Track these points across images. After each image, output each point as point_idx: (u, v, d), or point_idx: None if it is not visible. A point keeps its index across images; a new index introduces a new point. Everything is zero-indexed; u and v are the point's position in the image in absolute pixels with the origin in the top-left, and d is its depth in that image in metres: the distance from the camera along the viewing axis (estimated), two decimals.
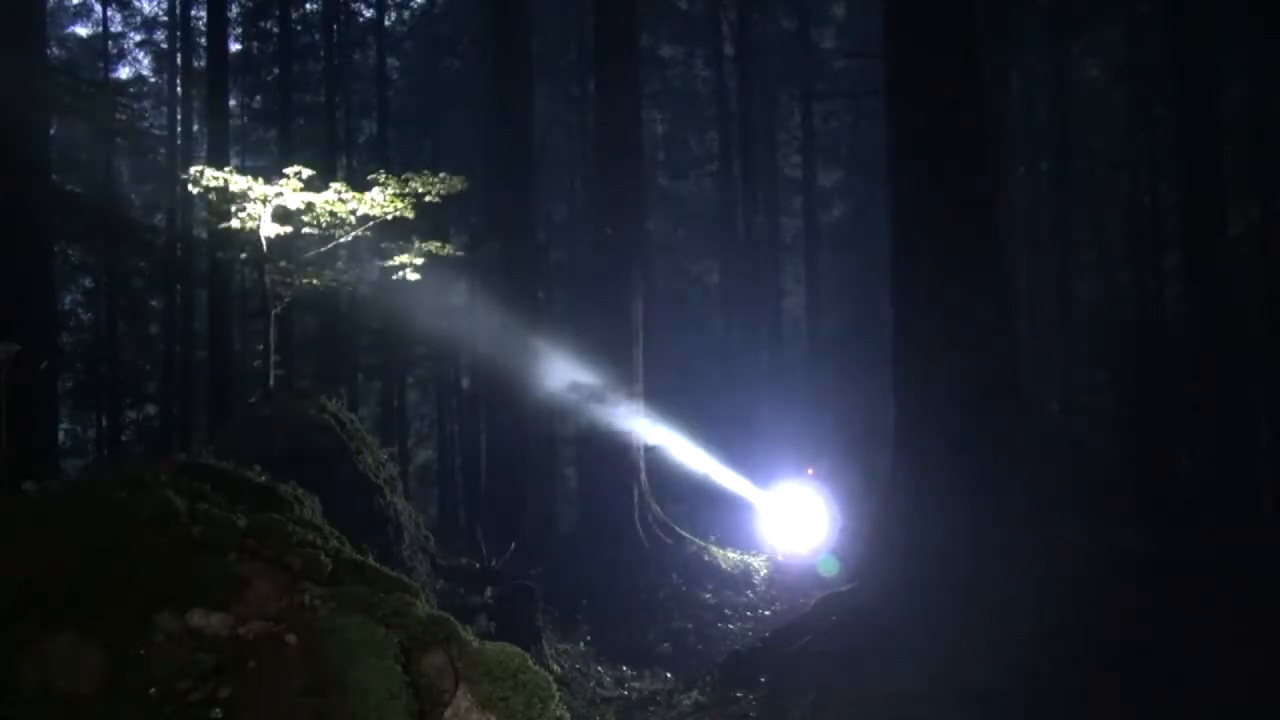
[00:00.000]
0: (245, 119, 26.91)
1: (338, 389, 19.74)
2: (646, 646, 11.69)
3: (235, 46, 24.68)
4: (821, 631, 8.93)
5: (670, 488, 17.55)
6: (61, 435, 20.16)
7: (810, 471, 16.61)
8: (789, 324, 28.42)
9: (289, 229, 10.38)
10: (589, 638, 11.14)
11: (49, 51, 21.10)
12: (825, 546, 13.86)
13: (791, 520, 14.97)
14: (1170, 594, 7.73)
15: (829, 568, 12.77)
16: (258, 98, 26.44)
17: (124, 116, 15.81)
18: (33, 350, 6.65)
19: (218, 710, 3.79)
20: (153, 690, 3.79)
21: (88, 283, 23.73)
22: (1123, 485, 9.77)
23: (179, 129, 25.96)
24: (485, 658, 4.41)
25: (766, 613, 12.56)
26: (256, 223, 10.07)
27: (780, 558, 14.81)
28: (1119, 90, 19.74)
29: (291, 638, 4.11)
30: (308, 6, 26.25)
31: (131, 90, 23.25)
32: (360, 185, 10.75)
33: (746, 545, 15.62)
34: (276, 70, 24.75)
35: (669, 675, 10.32)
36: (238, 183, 9.76)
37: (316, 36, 25.87)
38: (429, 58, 27.77)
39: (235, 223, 10.22)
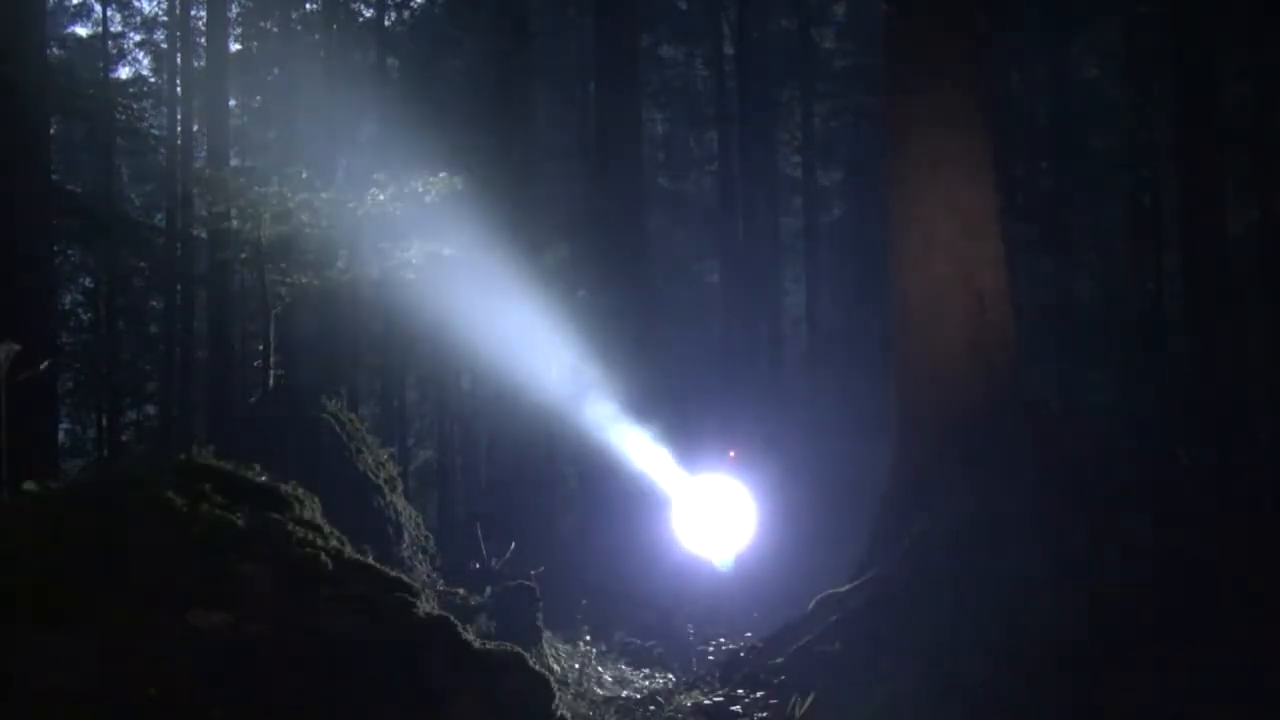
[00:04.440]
0: (245, 119, 26.90)
1: (338, 389, 19.73)
2: (647, 646, 11.69)
3: (235, 46, 24.69)
4: (821, 630, 8.93)
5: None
6: (61, 435, 20.14)
7: (731, 454, 15.16)
8: (789, 324, 28.42)
9: (288, 228, 10.40)
10: (589, 638, 11.12)
11: (49, 51, 21.10)
12: (737, 545, 12.81)
13: (710, 516, 13.16)
14: (1172, 593, 7.73)
15: (723, 565, 12.51)
16: (258, 98, 26.44)
17: (124, 116, 15.82)
18: (33, 350, 6.65)
19: (217, 710, 3.79)
20: (153, 690, 3.79)
21: (88, 283, 23.72)
22: (1123, 485, 9.76)
23: (179, 129, 25.96)
24: (485, 658, 4.42)
25: (755, 614, 12.58)
26: (256, 223, 10.08)
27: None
28: (1119, 90, 19.73)
29: (292, 637, 4.11)
30: (308, 6, 26.25)
31: (131, 90, 23.27)
32: (360, 185, 10.76)
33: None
34: (276, 70, 24.75)
35: (669, 675, 10.32)
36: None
37: (316, 36, 25.86)
38: (429, 58, 27.76)
39: (235, 223, 10.25)
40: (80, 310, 23.82)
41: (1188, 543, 8.42)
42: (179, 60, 26.48)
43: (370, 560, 5.02)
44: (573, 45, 26.78)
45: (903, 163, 10.56)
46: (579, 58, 26.22)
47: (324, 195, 10.22)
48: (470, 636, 4.54)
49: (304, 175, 10.07)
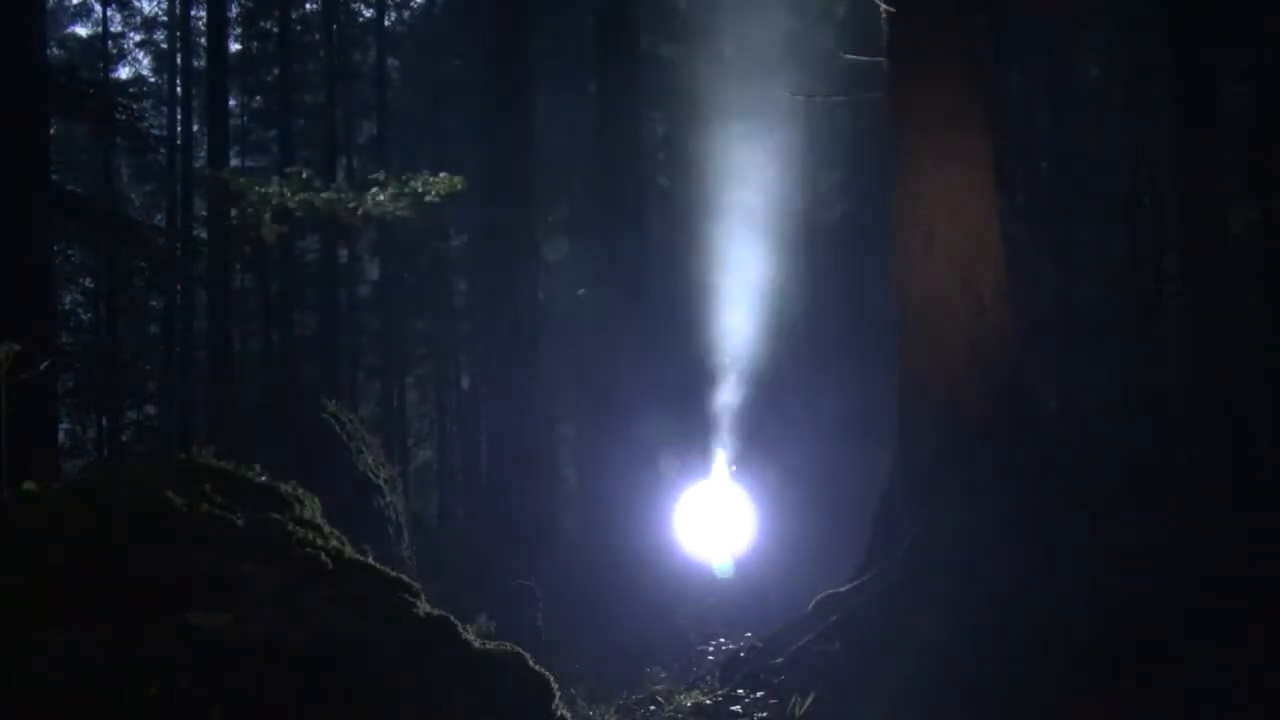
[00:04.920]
0: (245, 119, 26.92)
1: (338, 389, 19.71)
2: (647, 646, 11.70)
3: (235, 46, 24.71)
4: (821, 630, 8.94)
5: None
6: (61, 435, 20.14)
7: (732, 468, 15.36)
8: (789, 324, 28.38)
9: (288, 228, 10.41)
10: (589, 638, 11.14)
11: (49, 51, 21.09)
12: (736, 550, 12.79)
13: (710, 521, 13.28)
14: (1174, 593, 7.73)
15: (723, 571, 12.28)
16: (258, 98, 26.45)
17: (124, 116, 15.81)
18: (33, 350, 6.64)
19: (218, 710, 3.79)
20: (153, 690, 3.79)
21: (88, 283, 23.72)
22: (1124, 484, 9.77)
23: (179, 129, 26.00)
24: (485, 658, 4.42)
25: (756, 614, 12.56)
26: (256, 223, 10.09)
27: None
28: (1119, 90, 19.74)
29: (292, 637, 4.10)
30: (308, 6, 26.28)
31: (131, 90, 23.27)
32: (360, 185, 10.78)
33: None
34: (276, 70, 24.77)
35: (669, 675, 10.33)
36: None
37: (316, 36, 25.87)
38: (429, 58, 27.79)
39: (235, 223, 10.27)
40: (80, 310, 23.81)
41: (1189, 542, 8.43)
42: (179, 60, 26.53)
43: (370, 560, 5.02)
44: (573, 45, 26.79)
45: (903, 163, 10.56)
46: (579, 58, 26.23)
47: (324, 195, 10.23)
48: (470, 636, 4.54)
49: (304, 175, 10.08)
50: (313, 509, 5.25)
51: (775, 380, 25.31)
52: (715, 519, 13.37)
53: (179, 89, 26.67)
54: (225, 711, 3.79)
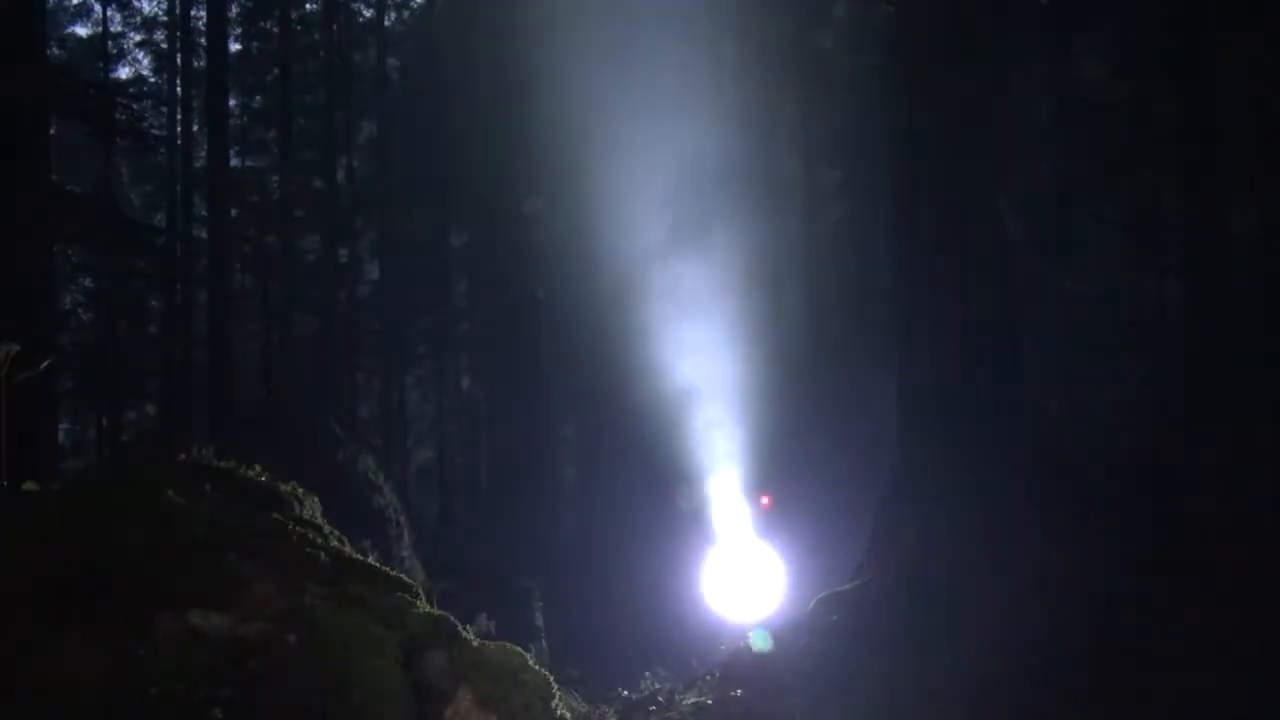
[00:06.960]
0: (245, 119, 26.87)
1: (338, 389, 19.70)
2: (647, 646, 11.71)
3: (235, 46, 24.69)
4: (821, 631, 8.93)
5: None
6: (61, 435, 20.13)
7: (765, 501, 13.45)
8: (789, 325, 28.40)
9: (288, 228, 10.41)
10: (590, 638, 11.13)
11: (49, 51, 21.08)
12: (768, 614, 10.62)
13: (739, 578, 11.13)
14: (1173, 593, 7.73)
15: (760, 641, 10.41)
16: (258, 98, 26.41)
17: (124, 116, 15.81)
18: (33, 350, 6.64)
19: (218, 710, 3.79)
20: (153, 690, 3.79)
21: (88, 283, 23.72)
22: (1123, 485, 9.77)
23: (179, 129, 25.97)
24: (485, 657, 4.42)
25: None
26: (256, 222, 10.09)
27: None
28: (1119, 90, 19.72)
29: (291, 637, 4.11)
30: (308, 6, 26.26)
31: (131, 90, 23.25)
32: (360, 184, 10.78)
33: None
34: (276, 70, 24.73)
35: (669, 674, 10.33)
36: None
37: (316, 36, 25.86)
38: (429, 58, 27.78)
39: (235, 222, 10.26)
40: (80, 310, 23.82)
41: (1187, 543, 8.43)
42: (179, 60, 26.52)
43: (370, 560, 5.03)
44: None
45: (903, 163, 10.57)
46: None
47: (323, 195, 10.24)
48: (470, 636, 4.55)
49: (304, 175, 10.08)
50: (313, 509, 5.25)
51: (777, 382, 25.31)
52: (744, 575, 10.96)
53: (179, 89, 26.64)
54: (225, 711, 3.79)
